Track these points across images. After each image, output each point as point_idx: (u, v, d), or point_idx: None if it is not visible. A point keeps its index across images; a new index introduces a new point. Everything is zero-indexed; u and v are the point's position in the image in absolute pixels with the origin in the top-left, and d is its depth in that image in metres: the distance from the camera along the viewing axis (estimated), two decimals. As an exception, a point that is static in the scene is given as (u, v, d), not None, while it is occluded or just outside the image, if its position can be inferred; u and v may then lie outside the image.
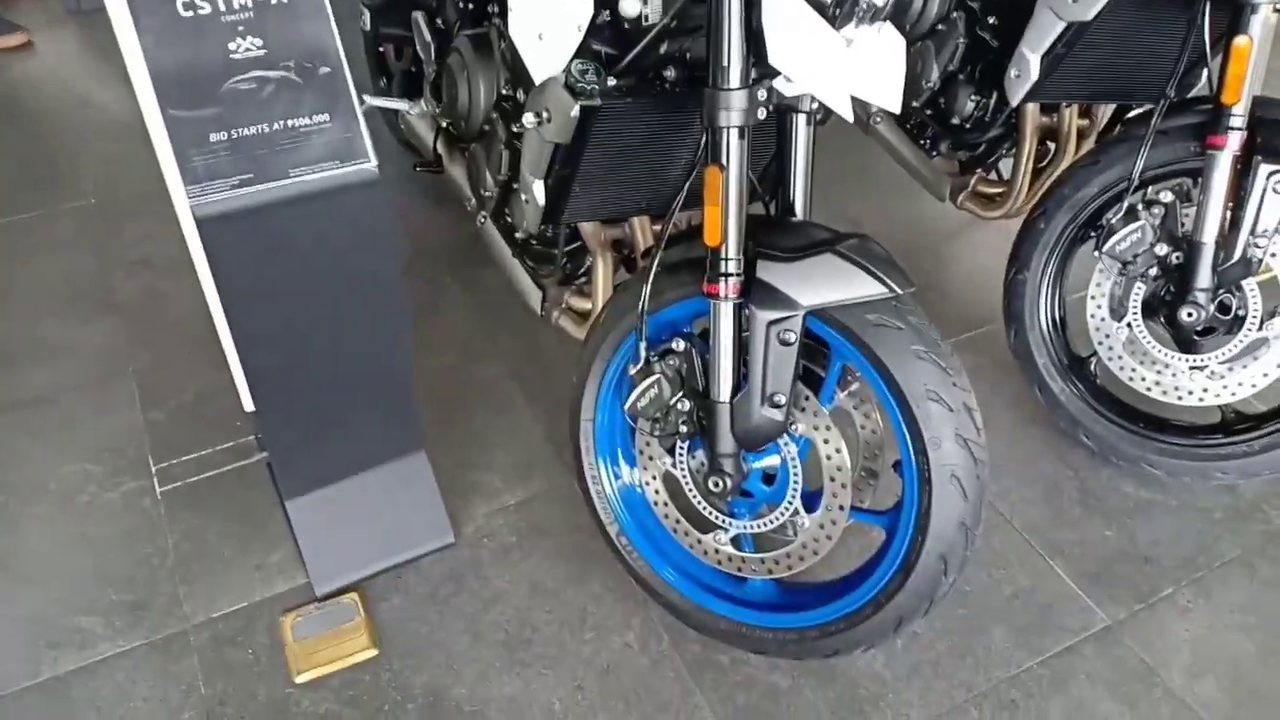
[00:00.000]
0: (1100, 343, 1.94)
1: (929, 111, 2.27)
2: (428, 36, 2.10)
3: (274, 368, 1.51)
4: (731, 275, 1.35)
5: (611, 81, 1.44)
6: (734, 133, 1.29)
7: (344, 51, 1.37)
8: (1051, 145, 2.24)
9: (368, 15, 2.55)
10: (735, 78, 1.26)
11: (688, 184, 1.45)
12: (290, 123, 1.34)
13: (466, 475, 1.95)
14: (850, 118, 1.28)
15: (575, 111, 1.41)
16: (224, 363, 1.82)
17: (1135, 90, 2.02)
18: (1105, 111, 2.22)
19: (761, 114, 1.33)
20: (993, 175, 2.35)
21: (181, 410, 2.09)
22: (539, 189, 1.60)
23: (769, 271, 1.36)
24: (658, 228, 1.88)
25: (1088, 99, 2.08)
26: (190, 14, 1.28)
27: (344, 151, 1.38)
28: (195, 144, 1.30)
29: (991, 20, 2.00)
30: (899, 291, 1.34)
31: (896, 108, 1.37)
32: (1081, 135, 2.20)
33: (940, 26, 2.10)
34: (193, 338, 2.21)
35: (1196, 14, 1.77)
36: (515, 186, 1.82)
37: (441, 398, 2.12)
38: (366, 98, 2.28)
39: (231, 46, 1.30)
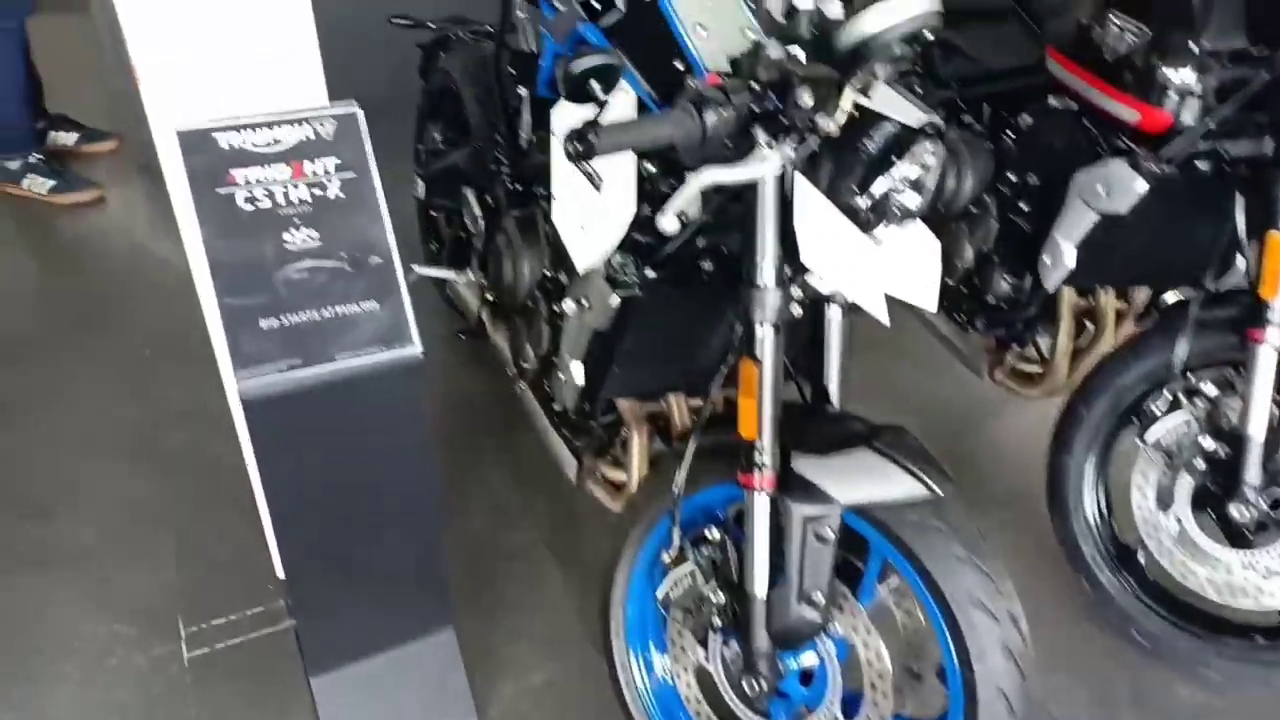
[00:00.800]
0: (1148, 535, 1.89)
1: (964, 289, 2.29)
2: (477, 212, 2.18)
3: (306, 541, 1.51)
4: (766, 468, 1.35)
5: (650, 273, 1.47)
6: (769, 329, 1.31)
7: (395, 242, 1.43)
8: (1089, 323, 2.24)
9: (421, 185, 2.66)
10: (770, 277, 1.29)
11: (722, 369, 1.47)
12: (340, 309, 1.38)
13: (495, 648, 1.91)
14: (886, 321, 1.30)
15: (614, 301, 1.45)
16: (260, 524, 1.82)
17: (1171, 275, 2.04)
18: (1143, 293, 2.22)
19: (797, 311, 1.35)
20: (1030, 350, 2.35)
21: (216, 569, 2.08)
22: (578, 369, 1.62)
23: (805, 465, 1.35)
24: (695, 402, 1.89)
25: (1124, 284, 2.10)
26: (250, 208, 1.34)
27: (390, 336, 1.41)
28: (246, 329, 1.33)
29: (1024, 205, 2.04)
30: (938, 493, 1.32)
31: (932, 306, 1.39)
32: (1120, 316, 2.19)
33: (972, 209, 2.14)
34: (232, 496, 2.23)
35: (1231, 205, 1.80)
36: (554, 361, 1.84)
37: (473, 564, 2.10)
38: (415, 267, 2.36)
39: (287, 238, 1.36)
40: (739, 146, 1.21)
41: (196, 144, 1.32)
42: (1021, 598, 1.34)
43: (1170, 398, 1.78)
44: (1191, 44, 1.69)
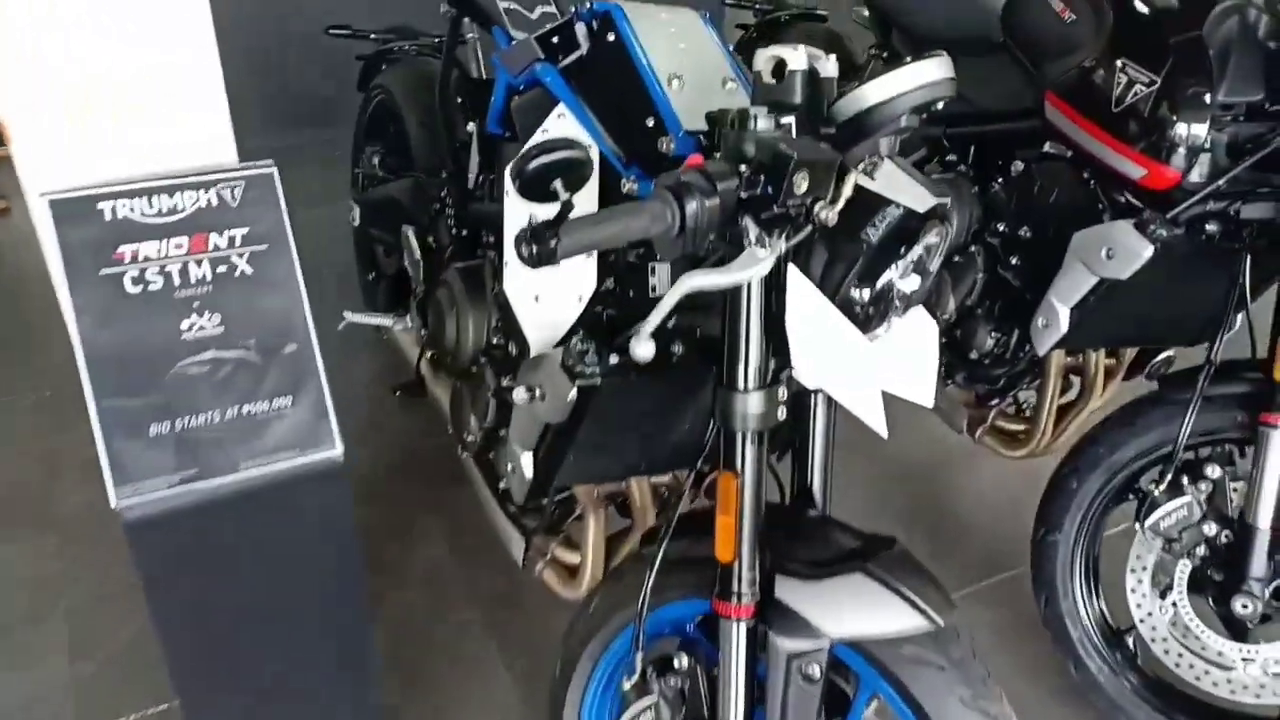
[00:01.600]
0: (1142, 620, 1.75)
1: (944, 340, 2.14)
2: (417, 254, 1.97)
3: (207, 670, 1.30)
4: (745, 596, 1.17)
5: (614, 359, 1.29)
6: (750, 436, 1.14)
7: (313, 323, 1.22)
8: (1074, 376, 2.11)
9: (357, 211, 2.44)
10: (752, 380, 1.12)
11: (691, 472, 1.29)
12: (246, 409, 1.17)
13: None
14: (884, 433, 1.12)
15: (572, 395, 1.26)
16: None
17: (1169, 335, 1.91)
18: (1132, 349, 2.09)
19: (782, 414, 1.18)
20: (1011, 405, 2.21)
21: (113, 662, 1.85)
22: (527, 461, 1.43)
23: (789, 591, 1.18)
24: (659, 480, 1.71)
25: (1117, 344, 1.96)
26: (139, 290, 1.12)
27: (306, 438, 1.21)
28: (131, 437, 1.12)
29: (1014, 260, 1.88)
30: (939, 623, 1.16)
31: (930, 401, 1.23)
32: (1109, 373, 2.07)
33: (957, 258, 1.99)
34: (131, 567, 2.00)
35: (1238, 268, 1.67)
36: (501, 434, 1.65)
37: (408, 650, 1.90)
38: (347, 314, 2.14)
39: (184, 325, 1.15)
40: (722, 234, 1.02)
41: (75, 214, 1.10)
42: (1001, 678, 1.19)
43: (1171, 482, 1.64)
44: (1206, 96, 1.55)
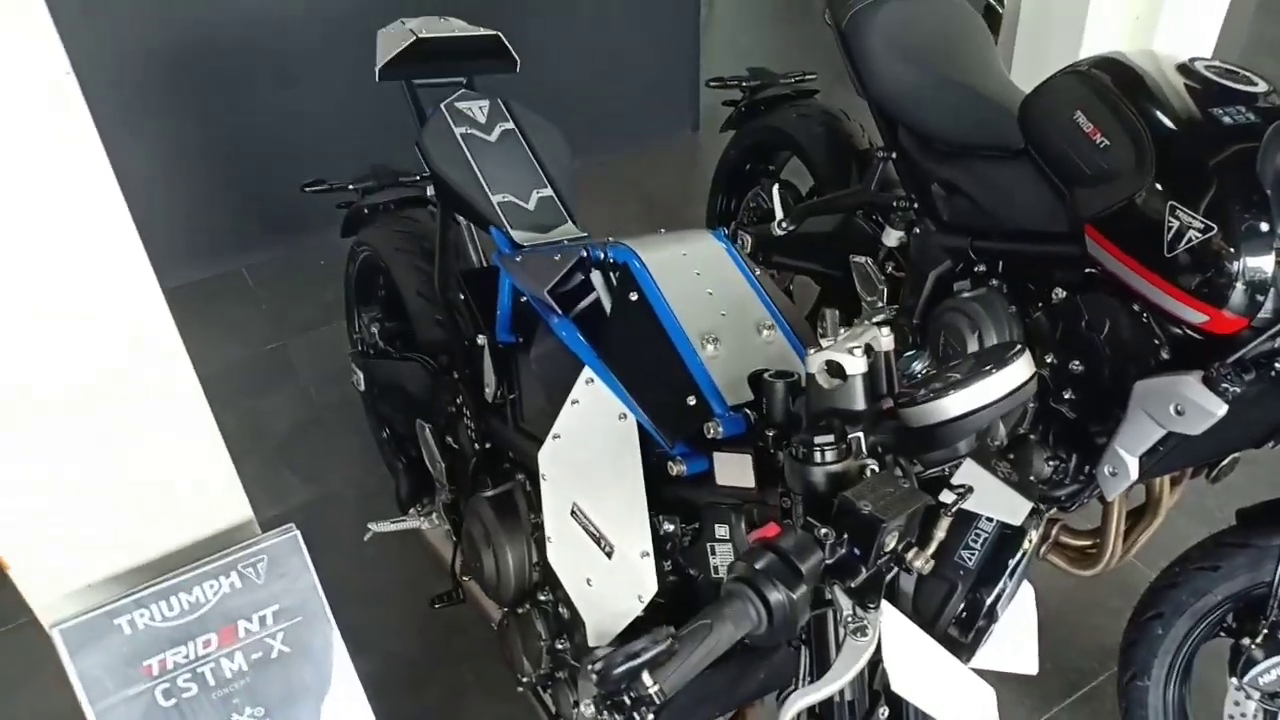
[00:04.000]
0: (1247, 766, 1.67)
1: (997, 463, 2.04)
2: (437, 455, 1.87)
3: None
4: None
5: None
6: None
7: (359, 687, 1.13)
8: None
9: (361, 376, 2.33)
10: (852, 713, 1.03)
11: None
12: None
13: None
14: (1003, 756, 1.03)
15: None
16: None
17: (1239, 445, 1.81)
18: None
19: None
20: (1075, 520, 2.11)
21: None
22: (601, 745, 1.34)
23: None
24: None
25: (1187, 467, 1.86)
26: (172, 702, 1.03)
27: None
28: None
29: (1067, 394, 1.78)
30: None
31: (1034, 670, 1.14)
32: (1175, 481, 1.97)
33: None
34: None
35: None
36: (559, 676, 1.56)
37: None
38: (372, 526, 2.05)
39: (225, 724, 1.05)
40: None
41: (91, 638, 1.00)
42: None
43: (1266, 637, 1.55)
44: (1264, 227, 1.44)
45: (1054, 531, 2.06)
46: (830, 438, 0.95)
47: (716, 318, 1.24)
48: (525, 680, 1.60)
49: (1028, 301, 1.86)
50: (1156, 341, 1.61)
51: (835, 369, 0.99)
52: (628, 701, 0.78)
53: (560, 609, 1.44)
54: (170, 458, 1.06)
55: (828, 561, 0.89)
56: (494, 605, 1.80)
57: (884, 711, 1.06)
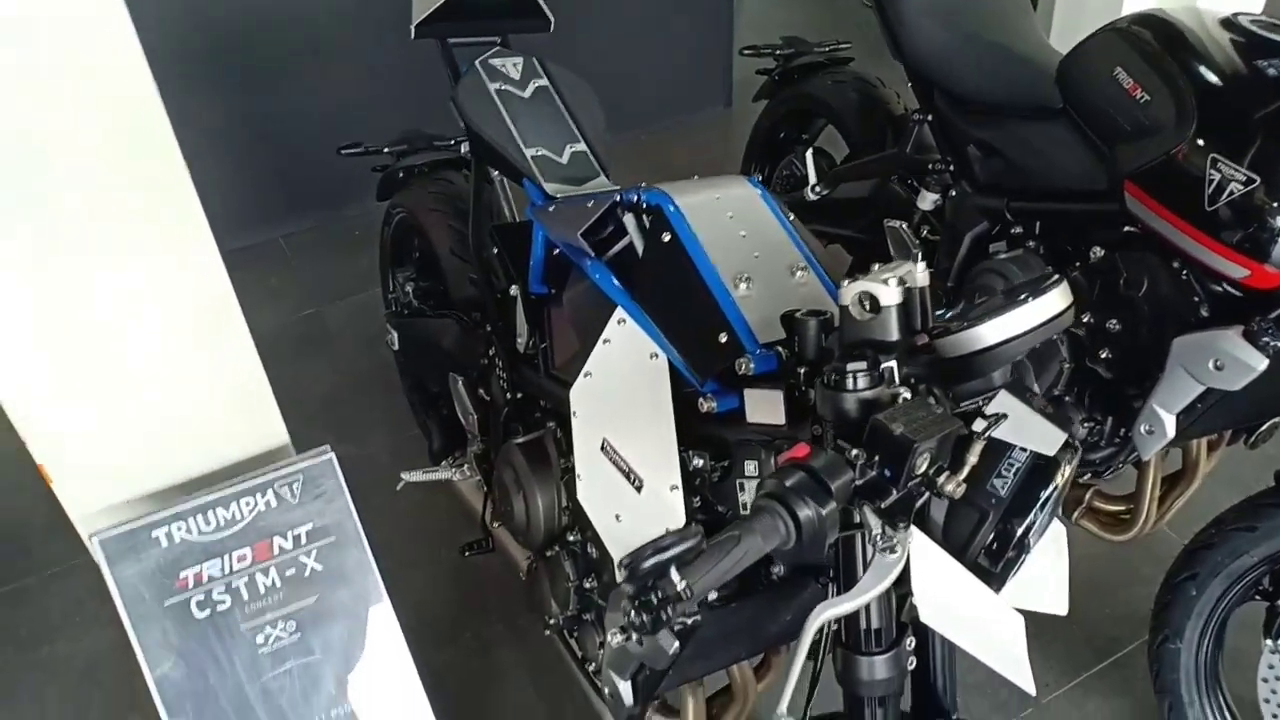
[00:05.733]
0: (1280, 730, 1.65)
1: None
2: (470, 407, 1.88)
3: None
4: None
5: (712, 595, 1.20)
6: (878, 700, 1.05)
7: (392, 610, 1.14)
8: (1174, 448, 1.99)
9: (395, 335, 2.35)
10: (878, 641, 1.02)
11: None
12: (334, 713, 1.10)
13: None
14: (1032, 690, 1.03)
15: (674, 650, 1.17)
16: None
17: (1278, 410, 1.78)
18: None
19: (911, 663, 1.09)
20: (1109, 486, 2.09)
21: None
22: (625, 689, 1.34)
23: None
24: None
25: (1224, 430, 1.83)
26: (206, 613, 1.05)
27: (400, 729, 1.13)
28: (220, 771, 1.05)
29: (1104, 354, 1.76)
30: None
31: (1064, 610, 1.14)
32: (1212, 446, 1.95)
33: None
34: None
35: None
36: (585, 618, 1.57)
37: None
38: (404, 475, 2.07)
39: (259, 640, 1.07)
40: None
41: (129, 549, 1.02)
42: None
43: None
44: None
45: (1088, 497, 2.04)
46: (863, 364, 0.95)
47: (749, 259, 1.24)
48: (552, 623, 1.61)
49: (1064, 262, 1.84)
50: (1196, 299, 1.59)
51: (870, 300, 0.99)
52: (655, 600, 0.78)
53: (589, 549, 1.45)
54: (211, 381, 1.08)
55: (858, 482, 0.89)
56: (522, 555, 1.82)
57: (910, 643, 1.06)
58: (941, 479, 0.90)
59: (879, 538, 0.88)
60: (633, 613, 0.80)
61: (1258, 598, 1.67)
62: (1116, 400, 1.79)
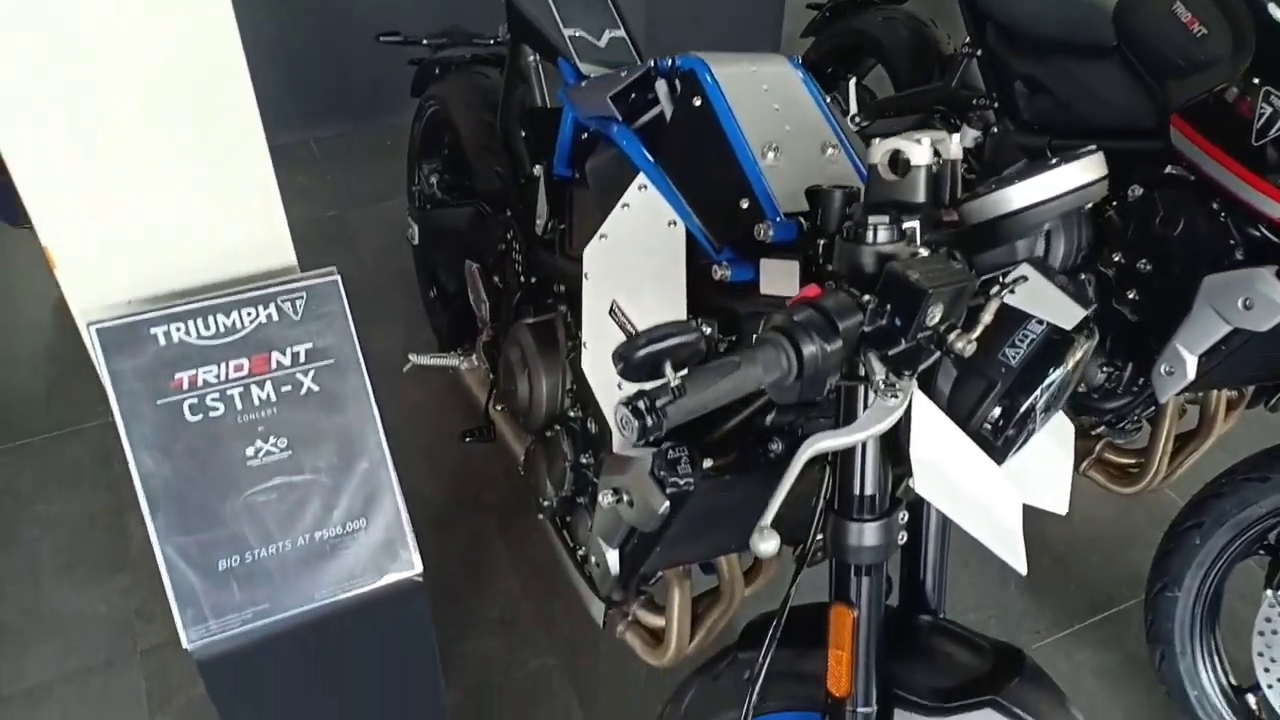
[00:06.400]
0: (1270, 686, 1.63)
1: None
2: (483, 294, 1.87)
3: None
4: (863, 734, 1.08)
5: (708, 462, 1.18)
6: (866, 569, 1.03)
7: (386, 438, 1.13)
8: (1190, 406, 1.96)
9: (415, 229, 2.34)
10: (868, 509, 1.01)
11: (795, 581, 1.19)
12: (319, 535, 1.10)
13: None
14: (1023, 570, 1.01)
15: (665, 509, 1.16)
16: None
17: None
18: (1255, 379, 1.93)
19: (902, 538, 1.07)
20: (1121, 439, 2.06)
21: (192, 709, 1.83)
22: (613, 558, 1.34)
23: (910, 727, 1.08)
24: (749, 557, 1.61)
25: (1245, 384, 1.80)
26: (198, 418, 1.04)
27: (383, 561, 1.13)
28: (199, 574, 1.05)
29: (1131, 294, 1.72)
30: (1078, 759, 1.05)
31: (1064, 509, 1.11)
32: (1231, 405, 1.91)
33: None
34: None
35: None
36: (579, 502, 1.56)
37: (481, 701, 1.84)
38: (412, 357, 2.06)
39: (249, 452, 1.07)
40: (842, 371, 0.91)
41: (126, 342, 1.02)
42: None
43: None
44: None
45: (1098, 448, 2.01)
46: (885, 218, 0.92)
47: (780, 130, 1.21)
48: (546, 505, 1.61)
49: (1103, 202, 1.80)
50: (1232, 241, 1.55)
51: (898, 161, 0.96)
52: (644, 407, 0.77)
53: (588, 424, 1.43)
54: (225, 193, 1.07)
55: (866, 328, 0.87)
56: (521, 447, 1.81)
57: (903, 517, 1.04)
58: (952, 336, 0.88)
59: (881, 381, 0.86)
60: (626, 416, 0.78)
61: (1261, 552, 1.64)
62: (1138, 347, 1.76)
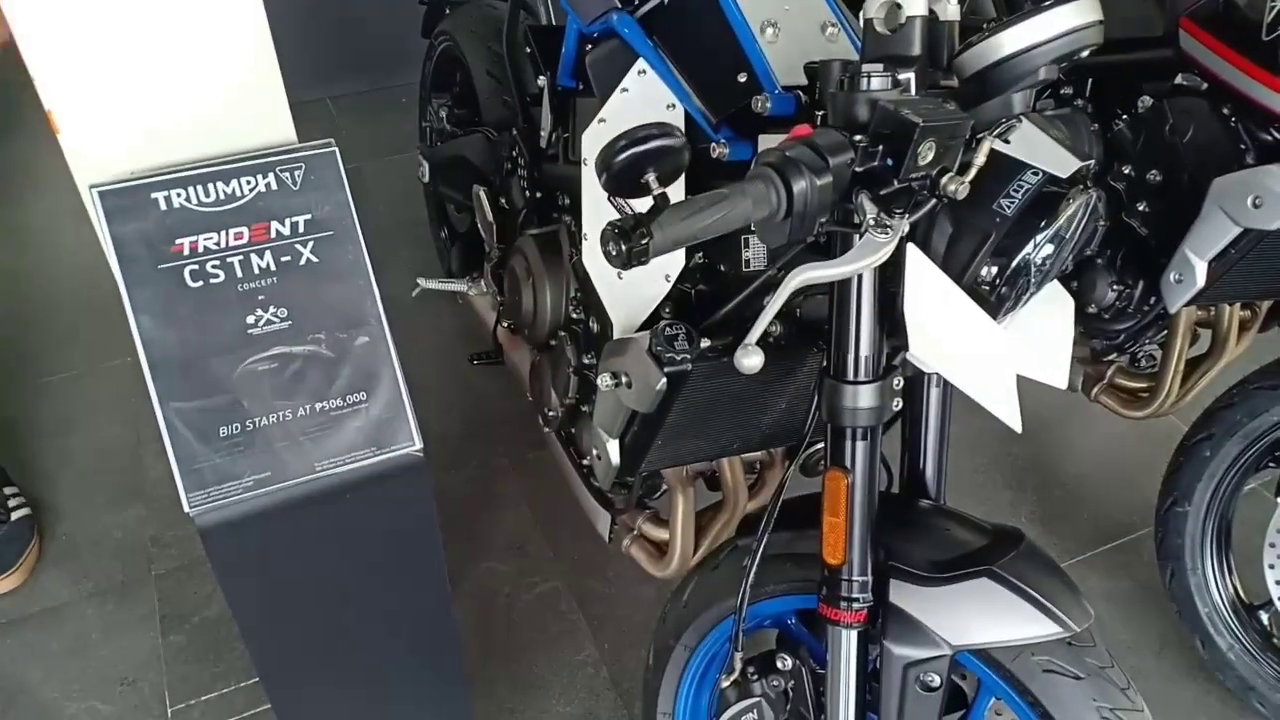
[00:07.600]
0: (1281, 598, 1.62)
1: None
2: (490, 216, 1.88)
3: (292, 672, 1.26)
4: (857, 602, 1.07)
5: (705, 342, 1.18)
6: (860, 433, 1.03)
7: (384, 311, 1.14)
8: (1203, 329, 1.93)
9: (426, 167, 2.35)
10: (863, 370, 1.00)
11: (791, 468, 1.19)
12: (319, 406, 1.11)
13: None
14: (1018, 427, 1.00)
15: (662, 385, 1.16)
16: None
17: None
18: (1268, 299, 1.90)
19: (896, 405, 1.07)
20: (1131, 360, 2.04)
21: (204, 629, 1.85)
22: (613, 448, 1.34)
23: (906, 596, 1.08)
24: (752, 456, 1.61)
25: (1258, 298, 1.78)
26: (199, 284, 1.05)
27: (384, 435, 1.13)
28: (201, 441, 1.06)
29: (1142, 206, 1.70)
30: (1074, 628, 1.05)
31: (1064, 384, 1.11)
32: (1243, 326, 1.89)
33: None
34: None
35: None
36: (584, 410, 1.57)
37: (489, 620, 1.86)
38: (421, 281, 2.08)
39: (250, 320, 1.08)
40: (834, 214, 0.91)
41: (128, 206, 1.03)
42: (1121, 654, 1.08)
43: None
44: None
45: (1109, 373, 1.99)
46: (879, 66, 0.92)
47: (780, 9, 1.20)
48: (551, 415, 1.61)
49: (1114, 119, 1.78)
50: (1243, 146, 1.53)
51: (892, 11, 0.96)
52: (629, 226, 0.77)
53: (590, 324, 1.43)
54: (224, 68, 1.07)
55: (857, 168, 0.87)
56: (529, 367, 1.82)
57: (898, 383, 1.04)
58: (945, 179, 0.87)
59: (872, 220, 0.86)
60: (611, 245, 0.78)
61: (1273, 465, 1.63)
62: (1148, 266, 1.74)
